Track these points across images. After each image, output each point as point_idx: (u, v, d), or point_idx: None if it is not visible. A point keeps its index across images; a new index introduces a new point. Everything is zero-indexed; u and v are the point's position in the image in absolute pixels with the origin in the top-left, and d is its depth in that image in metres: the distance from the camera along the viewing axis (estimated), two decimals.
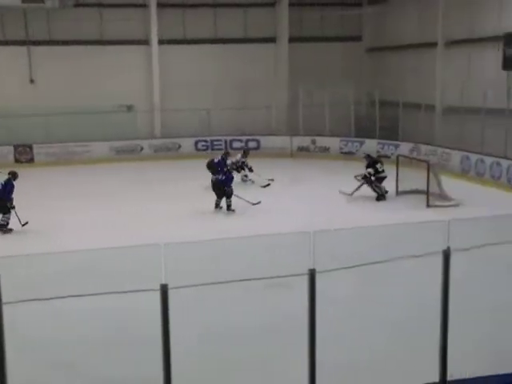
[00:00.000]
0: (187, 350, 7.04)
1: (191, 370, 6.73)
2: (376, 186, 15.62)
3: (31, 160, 21.57)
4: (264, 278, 5.42)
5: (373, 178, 15.57)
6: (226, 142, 23.28)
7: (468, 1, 19.57)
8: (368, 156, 16.39)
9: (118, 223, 13.07)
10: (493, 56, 18.14)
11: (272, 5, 24.69)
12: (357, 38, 25.54)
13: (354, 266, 5.94)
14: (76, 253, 6.66)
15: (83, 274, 7.15)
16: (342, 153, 22.20)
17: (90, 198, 15.66)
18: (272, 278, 5.56)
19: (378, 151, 21.33)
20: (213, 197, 14.39)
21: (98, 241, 10.47)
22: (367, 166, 15.73)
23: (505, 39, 17.51)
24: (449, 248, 5.72)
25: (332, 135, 22.31)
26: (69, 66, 22.72)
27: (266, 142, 23.22)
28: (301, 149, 22.58)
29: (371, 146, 21.63)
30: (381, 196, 15.59)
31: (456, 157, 18.61)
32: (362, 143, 22.11)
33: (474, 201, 14.80)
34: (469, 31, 19.65)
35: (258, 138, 23.40)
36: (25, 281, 6.40)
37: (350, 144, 22.26)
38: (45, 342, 7.11)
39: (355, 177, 15.84)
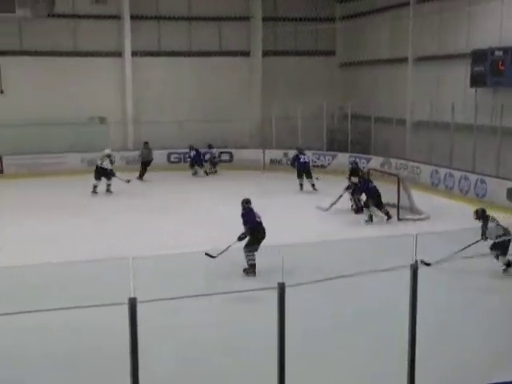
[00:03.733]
0: (156, 365, 7.00)
1: None
2: (358, 198, 15.28)
3: (0, 171, 21.40)
4: (233, 292, 5.42)
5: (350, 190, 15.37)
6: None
7: (438, 18, 19.91)
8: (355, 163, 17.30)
9: (88, 236, 12.95)
10: (462, 72, 18.40)
11: (247, 18, 24.86)
12: (330, 53, 25.81)
13: (324, 280, 5.97)
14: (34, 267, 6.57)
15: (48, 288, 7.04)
16: (314, 166, 22.30)
17: (62, 210, 15.49)
18: (241, 291, 5.56)
19: (350, 164, 21.50)
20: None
21: (59, 254, 10.40)
22: (351, 174, 15.73)
23: (472, 56, 17.62)
24: (416, 262, 5.77)
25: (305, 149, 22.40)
26: (41, 77, 22.53)
27: (239, 154, 23.30)
28: (273, 162, 22.65)
29: (343, 159, 21.82)
30: (359, 209, 15.18)
31: (426, 171, 18.83)
32: (334, 157, 22.30)
33: (443, 214, 14.99)
34: (438, 48, 19.99)
35: (231, 150, 23.48)
36: None
37: (322, 157, 22.42)
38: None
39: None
